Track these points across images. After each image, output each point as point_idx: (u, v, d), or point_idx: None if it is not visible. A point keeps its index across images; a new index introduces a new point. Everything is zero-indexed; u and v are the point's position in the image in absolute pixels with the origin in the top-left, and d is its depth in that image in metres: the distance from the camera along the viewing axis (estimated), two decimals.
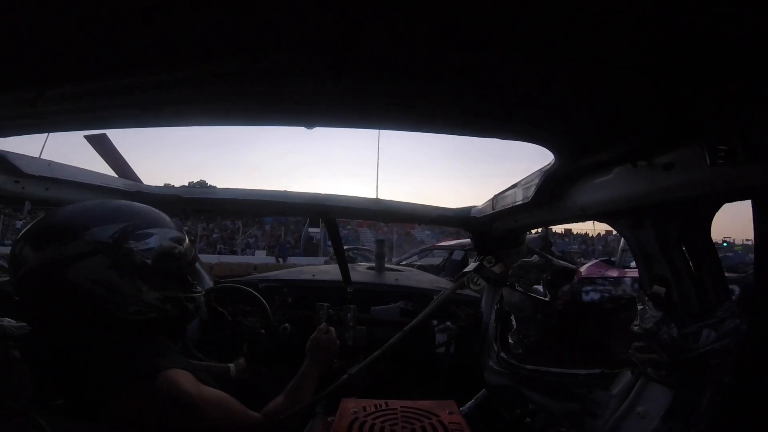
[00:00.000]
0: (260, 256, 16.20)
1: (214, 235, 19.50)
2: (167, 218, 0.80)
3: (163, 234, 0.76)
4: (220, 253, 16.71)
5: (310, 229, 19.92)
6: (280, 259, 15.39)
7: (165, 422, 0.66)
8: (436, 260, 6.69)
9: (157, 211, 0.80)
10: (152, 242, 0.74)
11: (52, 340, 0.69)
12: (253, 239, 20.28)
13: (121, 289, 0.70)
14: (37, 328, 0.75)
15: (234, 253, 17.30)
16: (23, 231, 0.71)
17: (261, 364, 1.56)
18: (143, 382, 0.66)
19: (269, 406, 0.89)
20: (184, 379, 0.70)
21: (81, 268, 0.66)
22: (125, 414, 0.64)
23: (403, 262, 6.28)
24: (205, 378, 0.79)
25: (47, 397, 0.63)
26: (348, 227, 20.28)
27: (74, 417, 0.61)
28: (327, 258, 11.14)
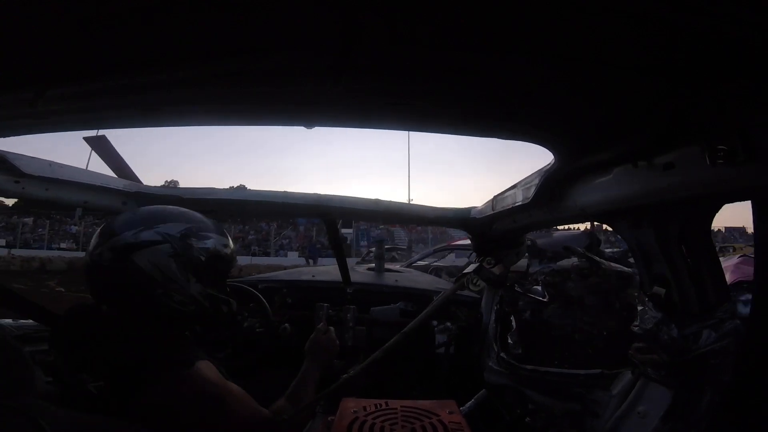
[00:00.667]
0: (293, 258, 16.39)
1: (249, 237, 19.73)
2: (221, 228, 0.91)
3: (218, 240, 0.87)
4: (253, 254, 16.75)
5: (343, 230, 19.74)
6: (311, 261, 15.02)
7: (194, 412, 0.70)
8: (461, 261, 5.96)
9: (214, 221, 0.91)
10: (209, 243, 0.85)
11: (100, 324, 0.76)
12: (287, 240, 20.49)
13: (174, 277, 0.79)
14: (89, 311, 0.80)
15: (267, 254, 17.54)
16: (111, 218, 0.82)
17: (260, 364, 1.56)
18: (179, 370, 0.72)
19: (272, 408, 0.91)
20: (213, 371, 0.76)
21: (147, 253, 0.76)
22: (158, 401, 0.68)
23: (419, 263, 5.64)
24: (224, 373, 0.84)
25: (84, 380, 0.68)
26: (381, 227, 20.00)
27: (107, 402, 0.66)
28: (359, 259, 10.68)
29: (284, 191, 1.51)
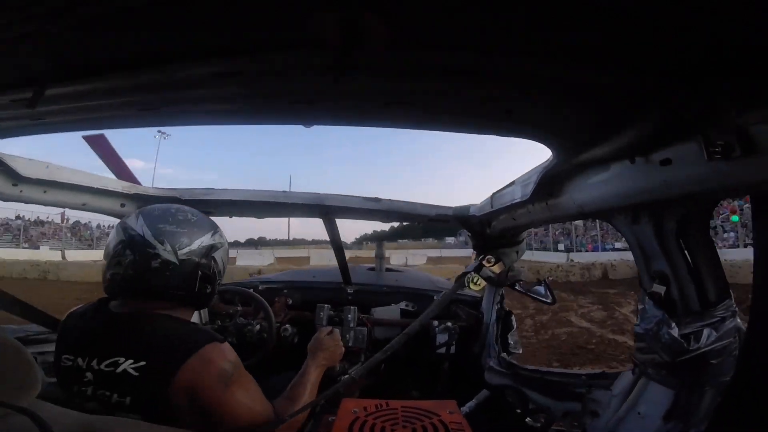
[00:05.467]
0: None
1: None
2: None
3: None
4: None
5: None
6: None
7: (217, 384, 0.77)
8: None
9: None
10: None
11: (147, 313, 0.82)
12: None
13: (224, 271, 0.96)
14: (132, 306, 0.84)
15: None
16: (168, 226, 0.85)
17: (261, 366, 1.56)
18: (215, 343, 0.80)
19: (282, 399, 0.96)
20: (234, 352, 0.85)
21: (220, 252, 0.93)
22: (192, 375, 0.75)
23: None
24: None
25: (119, 362, 0.74)
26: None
27: (147, 381, 0.73)
28: None
29: (283, 191, 1.51)
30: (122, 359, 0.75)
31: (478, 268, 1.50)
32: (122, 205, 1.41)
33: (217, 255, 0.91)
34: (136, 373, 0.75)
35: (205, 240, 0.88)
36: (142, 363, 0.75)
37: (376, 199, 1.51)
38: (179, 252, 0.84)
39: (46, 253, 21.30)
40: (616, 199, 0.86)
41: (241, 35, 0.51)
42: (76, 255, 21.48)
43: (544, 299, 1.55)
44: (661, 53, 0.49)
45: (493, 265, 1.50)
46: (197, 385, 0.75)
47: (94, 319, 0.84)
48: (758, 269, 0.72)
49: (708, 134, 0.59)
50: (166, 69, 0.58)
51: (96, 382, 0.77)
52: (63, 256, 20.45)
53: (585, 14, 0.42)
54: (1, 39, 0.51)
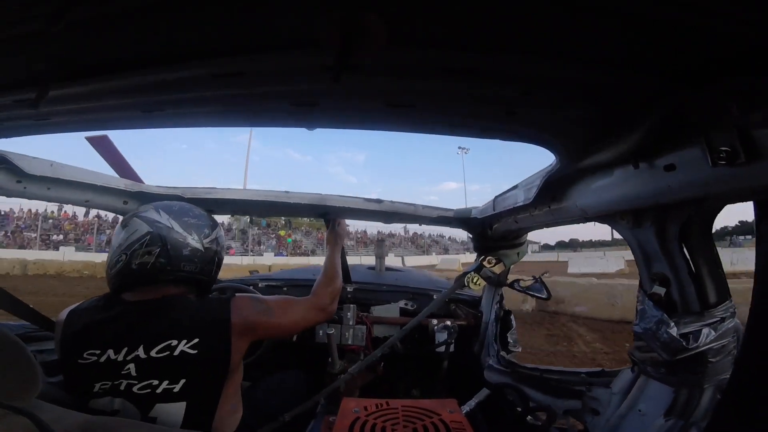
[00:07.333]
0: None
1: None
2: None
3: None
4: None
5: None
6: None
7: (255, 309, 0.94)
8: None
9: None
10: None
11: (181, 298, 0.90)
12: None
13: None
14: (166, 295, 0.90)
15: None
16: (192, 221, 0.97)
17: (261, 365, 1.56)
18: (231, 298, 0.93)
19: (314, 287, 1.14)
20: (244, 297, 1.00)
21: (223, 242, 1.04)
22: (239, 314, 0.89)
23: None
24: None
25: (174, 345, 0.80)
26: None
27: (205, 357, 0.81)
28: None
29: (285, 191, 1.51)
30: (175, 341, 0.79)
31: (479, 269, 1.50)
32: (125, 203, 1.42)
33: (224, 244, 1.04)
34: (194, 351, 0.79)
35: (217, 231, 1.00)
36: (196, 340, 0.80)
37: (378, 200, 1.51)
38: (204, 241, 0.95)
39: (390, 259, 26.52)
40: (620, 203, 0.86)
41: (241, 36, 0.51)
42: (411, 260, 26.22)
43: (540, 296, 1.56)
44: (664, 54, 0.49)
45: (494, 266, 1.51)
46: (249, 320, 0.89)
47: (113, 311, 0.84)
48: (759, 271, 0.72)
49: (712, 140, 0.58)
50: (168, 69, 0.58)
51: (141, 372, 0.78)
52: (403, 262, 23.63)
53: (587, 15, 0.42)
54: (4, 39, 0.51)
